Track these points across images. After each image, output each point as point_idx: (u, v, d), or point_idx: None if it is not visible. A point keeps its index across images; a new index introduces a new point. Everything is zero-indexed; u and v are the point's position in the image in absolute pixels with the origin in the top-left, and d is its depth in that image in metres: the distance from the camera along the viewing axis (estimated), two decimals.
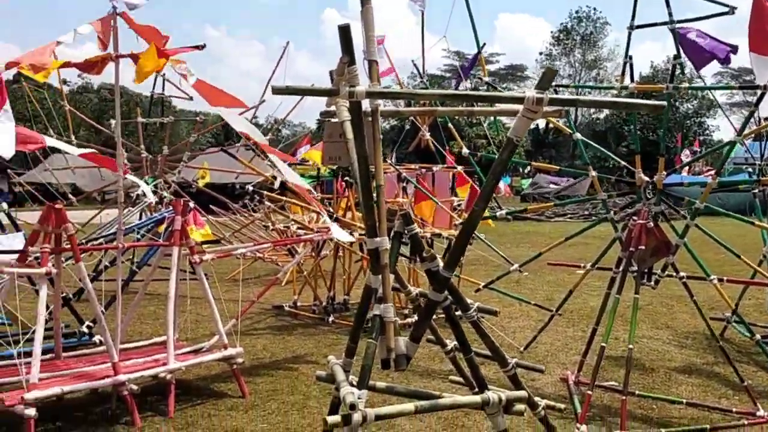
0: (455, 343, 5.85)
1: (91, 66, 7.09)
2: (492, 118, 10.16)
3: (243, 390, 7.45)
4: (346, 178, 11.63)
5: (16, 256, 6.74)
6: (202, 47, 6.65)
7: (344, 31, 4.44)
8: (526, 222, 32.78)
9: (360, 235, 10.32)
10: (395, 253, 5.16)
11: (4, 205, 8.20)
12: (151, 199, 9.75)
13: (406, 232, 5.48)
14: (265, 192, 11.57)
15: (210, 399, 7.40)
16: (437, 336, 5.61)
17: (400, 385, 5.93)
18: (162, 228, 9.49)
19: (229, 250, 8.56)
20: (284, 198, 11.24)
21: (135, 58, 6.89)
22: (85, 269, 6.69)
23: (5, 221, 8.44)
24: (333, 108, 5.69)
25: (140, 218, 13.90)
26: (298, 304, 11.76)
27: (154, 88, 14.36)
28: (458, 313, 4.85)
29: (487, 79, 8.48)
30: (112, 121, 14.43)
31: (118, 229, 7.22)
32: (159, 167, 13.34)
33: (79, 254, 6.63)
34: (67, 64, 7.25)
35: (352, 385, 4.57)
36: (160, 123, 14.90)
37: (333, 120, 6.03)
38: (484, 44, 8.41)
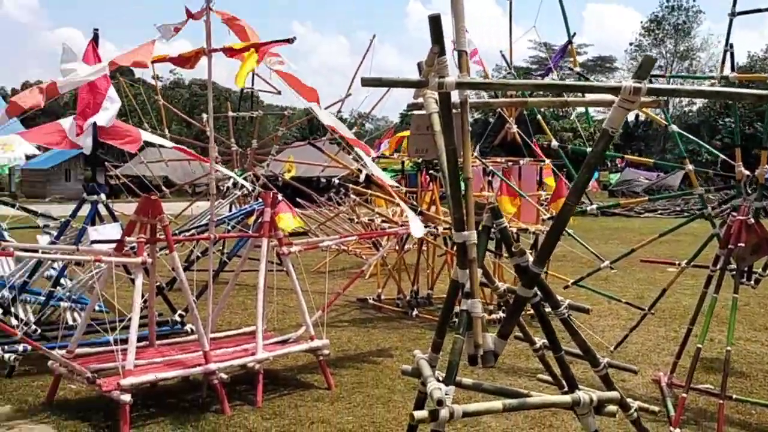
0: (544, 340, 5.73)
1: (185, 60, 7.27)
2: (581, 109, 9.90)
3: (329, 381, 7.51)
4: (431, 171, 11.57)
5: (113, 245, 7.01)
6: (292, 41, 6.71)
7: (434, 22, 4.39)
8: (615, 218, 31.93)
9: (444, 229, 10.26)
10: (483, 247, 5.06)
11: (102, 196, 8.47)
12: (248, 187, 9.96)
13: (494, 226, 5.38)
14: (351, 185, 11.65)
15: (296, 389, 7.49)
16: (525, 333, 5.49)
17: (486, 382, 5.84)
18: (251, 220, 9.68)
19: (316, 242, 8.64)
20: (369, 191, 11.27)
21: (228, 52, 7.03)
22: (178, 259, 6.86)
23: (103, 212, 8.77)
24: (420, 100, 5.64)
25: (230, 210, 14.25)
26: (382, 297, 11.78)
27: (253, 83, 14.65)
28: (548, 310, 4.72)
29: (577, 69, 8.25)
30: (204, 115, 14.93)
31: (210, 220, 7.40)
32: (248, 161, 13.62)
33: (173, 245, 6.81)
34: (163, 59, 7.46)
35: (438, 380, 4.53)
36: (249, 117, 15.20)
37: (420, 112, 5.97)
38: (574, 33, 8.18)
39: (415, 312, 10.88)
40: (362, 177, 10.35)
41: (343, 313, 11.31)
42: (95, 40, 8.16)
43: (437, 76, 4.53)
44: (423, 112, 5.78)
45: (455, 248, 4.60)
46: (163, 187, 15.22)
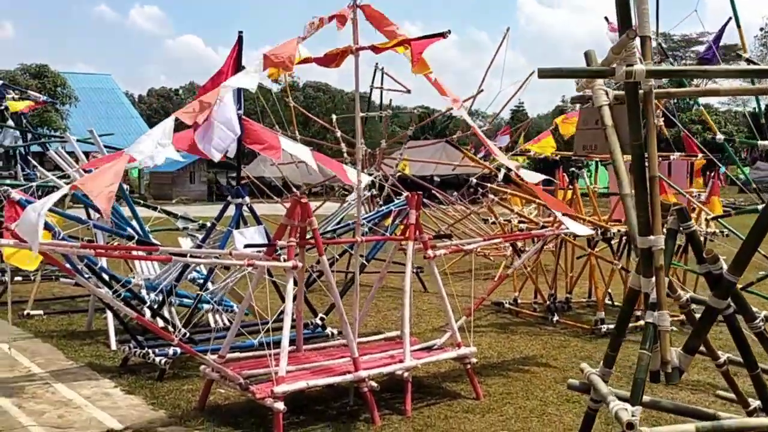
0: (728, 355, 5.18)
1: (331, 59, 7.10)
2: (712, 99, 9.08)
3: (477, 391, 7.16)
4: (572, 169, 10.99)
5: (257, 248, 6.94)
6: (447, 34, 6.38)
7: (623, 3, 4.02)
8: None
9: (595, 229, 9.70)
10: (670, 253, 4.59)
11: (247, 199, 8.45)
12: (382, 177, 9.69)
13: (681, 229, 4.90)
14: (489, 184, 11.24)
15: (444, 399, 7.17)
16: (708, 346, 5.01)
17: (665, 400, 5.33)
18: (389, 221, 9.45)
19: (461, 245, 8.30)
20: (508, 190, 10.82)
21: (377, 49, 6.81)
22: (327, 263, 6.69)
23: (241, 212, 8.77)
24: (588, 92, 5.23)
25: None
26: (519, 301, 11.30)
27: (373, 82, 14.52)
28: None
29: (746, 56, 7.53)
30: (334, 116, 14.91)
31: (356, 223, 7.19)
32: (377, 161, 13.45)
33: (323, 248, 6.65)
34: (308, 60, 7.31)
35: (619, 398, 4.20)
36: (370, 117, 15.04)
37: (587, 106, 5.56)
38: (729, 18, 7.46)
39: (555, 317, 10.35)
40: (500, 176, 9.92)
41: (479, 318, 10.90)
42: (240, 42, 8.12)
43: (625, 64, 4.12)
44: (588, 105, 5.39)
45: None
46: (294, 188, 15.28)
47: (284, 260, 6.55)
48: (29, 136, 16.24)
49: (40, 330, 9.51)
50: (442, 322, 10.30)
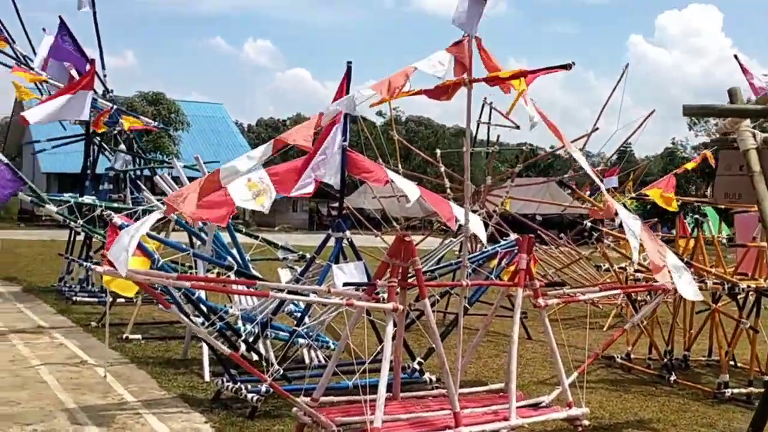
0: None
1: (443, 91, 6.74)
2: None
3: None
4: (695, 215, 10.15)
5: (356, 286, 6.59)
6: (570, 66, 5.90)
7: None
8: None
9: (714, 283, 8.85)
10: None
11: (348, 234, 8.15)
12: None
13: None
14: (604, 228, 10.54)
15: None
16: None
17: None
18: (494, 263, 8.92)
19: (576, 294, 7.69)
20: (624, 236, 10.08)
21: (492, 81, 6.41)
22: (429, 305, 6.25)
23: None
24: (731, 134, 4.64)
25: (460, 249, 13.65)
26: (632, 356, 10.46)
27: (480, 116, 14.12)
28: None
29: None
30: (438, 151, 14.59)
31: (462, 265, 6.73)
32: (481, 197, 12.97)
33: (425, 290, 6.22)
34: (419, 92, 7.00)
35: None
36: (483, 153, 14.62)
37: (728, 150, 4.96)
38: None
39: (673, 377, 9.48)
40: (618, 221, 9.22)
41: (588, 372, 10.10)
42: (348, 74, 7.92)
43: None
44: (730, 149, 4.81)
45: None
46: (397, 222, 15.01)
47: (384, 300, 6.16)
48: (140, 160, 16.69)
49: (137, 355, 9.48)
50: (547, 374, 9.63)
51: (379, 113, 51.70)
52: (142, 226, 5.69)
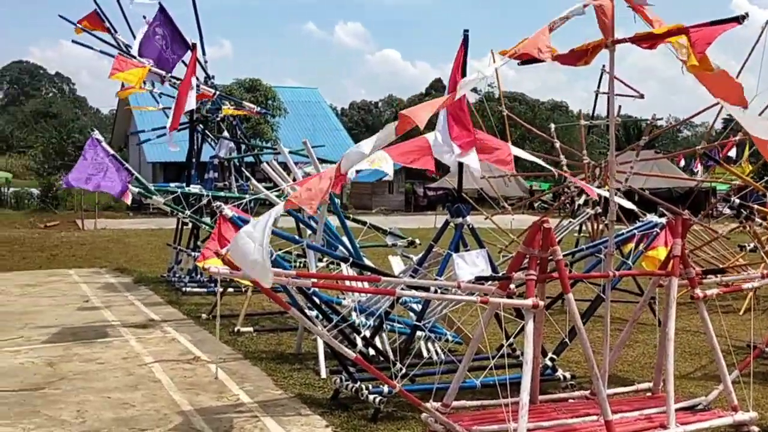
0: None
1: (579, 56, 5.94)
2: None
3: None
4: None
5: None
6: (742, 19, 5.01)
7: None
8: None
9: None
10: None
11: (468, 219, 7.49)
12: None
13: None
14: (756, 206, 9.44)
15: None
16: None
17: None
18: (629, 247, 8.04)
19: (739, 282, 6.77)
20: None
21: (640, 40, 5.57)
22: (573, 301, 5.52)
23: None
24: None
25: (579, 231, 12.76)
26: None
27: (599, 87, 13.09)
28: None
29: None
30: (552, 126, 13.67)
31: (606, 254, 5.94)
32: (603, 174, 11.98)
33: (568, 284, 5.49)
34: (552, 58, 6.22)
35: None
36: (589, 127, 13.60)
37: None
38: None
39: None
40: None
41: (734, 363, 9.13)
42: (465, 43, 7.22)
43: None
44: None
45: None
46: (502, 203, 14.21)
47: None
48: (243, 147, 16.51)
49: (250, 349, 9.15)
50: (689, 367, 8.71)
51: (474, 90, 50.52)
52: (266, 228, 5.23)
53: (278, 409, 6.82)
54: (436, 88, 69.06)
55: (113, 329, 10.47)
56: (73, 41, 15.38)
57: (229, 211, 7.49)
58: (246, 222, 7.74)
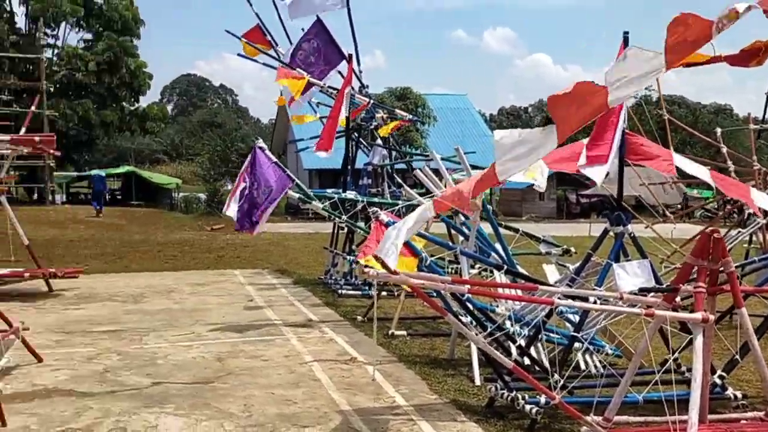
0: None
1: (751, 56, 5.61)
2: None
3: None
4: None
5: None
6: None
7: None
8: None
9: None
10: None
11: (630, 228, 7.23)
12: None
13: None
14: None
15: None
16: None
17: None
18: None
19: None
20: None
21: None
22: (747, 315, 5.21)
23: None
24: None
25: (750, 242, 11.97)
26: None
27: None
28: None
29: None
30: (718, 130, 12.91)
31: None
32: None
33: (741, 298, 5.19)
34: (716, 59, 5.92)
35: None
36: (759, 131, 12.71)
37: None
38: None
39: None
40: None
41: None
42: (625, 43, 6.98)
43: None
44: None
45: None
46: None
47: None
48: (395, 154, 16.84)
49: (404, 353, 9.31)
50: None
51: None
52: (414, 224, 5.34)
53: (433, 414, 6.90)
54: None
55: (275, 328, 11.02)
56: (238, 54, 16.31)
57: (384, 216, 7.70)
58: None
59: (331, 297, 13.81)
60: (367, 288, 14.03)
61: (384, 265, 5.64)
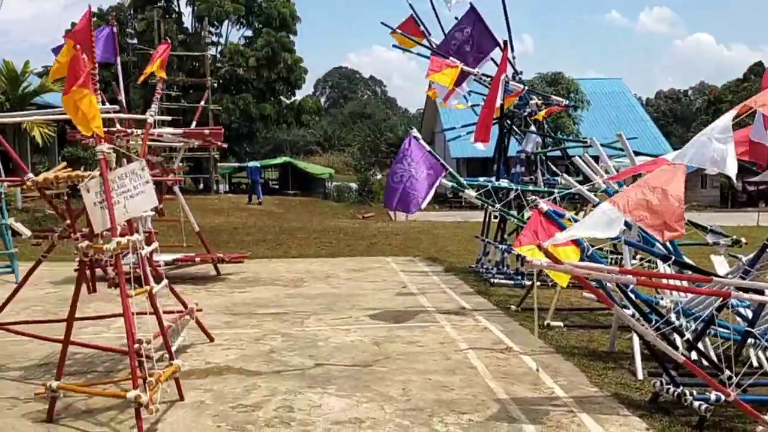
0: None
1: None
2: None
3: None
4: None
5: None
6: None
7: None
8: None
9: None
10: None
11: None
12: None
13: None
14: None
15: None
16: None
17: None
18: None
19: None
20: None
21: None
22: None
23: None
24: None
25: None
26: None
27: None
28: None
29: None
30: None
31: None
32: None
33: None
34: None
35: None
36: None
37: None
38: None
39: None
40: None
41: None
42: None
43: None
44: None
45: None
46: None
47: None
48: (549, 141, 16.48)
49: (561, 344, 9.14)
50: None
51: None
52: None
53: (594, 407, 6.74)
54: (756, 73, 62.04)
55: (429, 315, 11.15)
56: (393, 46, 16.54)
57: (544, 205, 7.58)
58: (561, 216, 7.78)
59: (483, 286, 13.77)
60: (519, 278, 13.87)
61: (548, 254, 5.57)
